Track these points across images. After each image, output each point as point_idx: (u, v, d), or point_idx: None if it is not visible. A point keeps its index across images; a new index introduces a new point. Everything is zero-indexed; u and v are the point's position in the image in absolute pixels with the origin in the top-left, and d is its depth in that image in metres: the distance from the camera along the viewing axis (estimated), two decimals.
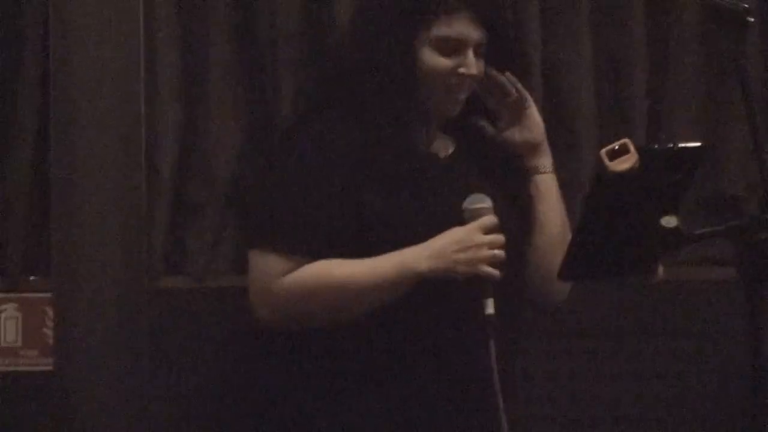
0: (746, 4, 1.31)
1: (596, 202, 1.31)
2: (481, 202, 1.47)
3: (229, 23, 2.12)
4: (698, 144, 1.42)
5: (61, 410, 1.98)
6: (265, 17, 2.10)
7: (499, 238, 1.47)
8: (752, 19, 1.41)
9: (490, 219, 1.46)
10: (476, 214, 1.45)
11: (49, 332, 1.97)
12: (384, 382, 1.55)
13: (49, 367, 1.94)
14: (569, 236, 1.40)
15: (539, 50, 2.02)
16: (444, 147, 1.57)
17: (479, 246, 1.43)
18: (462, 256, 1.45)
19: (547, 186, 1.58)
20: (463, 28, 1.52)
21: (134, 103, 2.04)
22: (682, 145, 1.40)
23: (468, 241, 1.46)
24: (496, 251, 1.43)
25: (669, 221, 1.26)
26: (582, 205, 1.44)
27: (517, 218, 1.55)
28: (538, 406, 1.90)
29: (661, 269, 1.37)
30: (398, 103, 1.51)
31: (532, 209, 1.57)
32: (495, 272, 1.45)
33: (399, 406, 1.54)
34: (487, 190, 1.52)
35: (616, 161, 1.25)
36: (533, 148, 1.54)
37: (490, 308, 1.41)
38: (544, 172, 1.57)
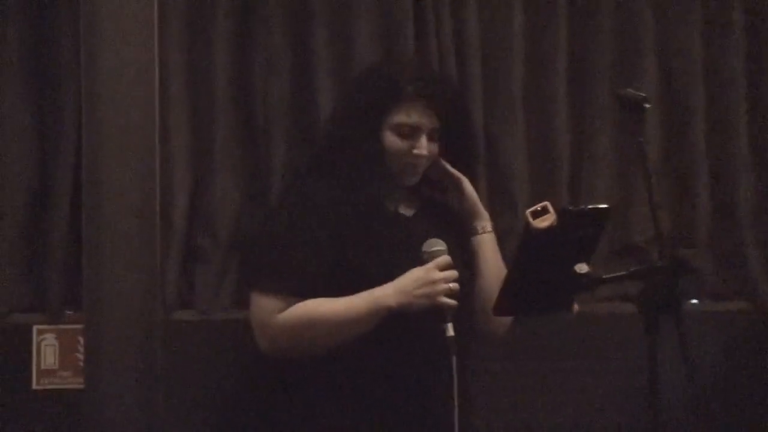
0: (644, 93, 1.61)
1: (523, 252, 1.52)
2: (437, 245, 1.65)
3: (230, 101, 2.35)
4: (605, 206, 1.61)
5: (91, 422, 2.14)
6: (259, 97, 2.34)
7: (453, 273, 1.63)
8: (648, 105, 1.69)
9: (444, 258, 1.63)
10: (433, 256, 1.62)
11: (80, 356, 2.20)
12: (362, 395, 1.75)
13: (81, 386, 2.13)
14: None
15: (482, 126, 2.28)
16: (408, 208, 1.78)
17: (436, 281, 1.60)
18: (422, 291, 1.62)
19: (485, 243, 1.81)
20: (418, 116, 1.73)
21: (151, 166, 2.20)
22: (592, 206, 1.62)
23: (427, 278, 1.63)
24: (451, 284, 1.60)
25: (581, 268, 1.49)
26: (513, 254, 1.61)
27: (463, 267, 1.72)
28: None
29: (576, 306, 1.62)
30: (368, 173, 1.73)
31: (474, 260, 1.79)
32: (451, 302, 1.62)
33: (375, 413, 1.74)
34: (450, 232, 1.74)
35: (538, 219, 1.48)
36: (470, 213, 1.77)
37: (450, 331, 1.57)
38: (483, 233, 1.80)
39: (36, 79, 2.34)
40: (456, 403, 1.61)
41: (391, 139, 1.73)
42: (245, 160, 2.37)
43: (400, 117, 1.73)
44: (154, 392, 2.13)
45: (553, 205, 1.48)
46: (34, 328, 2.27)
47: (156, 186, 2.17)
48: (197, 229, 2.33)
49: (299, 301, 1.67)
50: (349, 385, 1.76)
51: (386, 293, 1.67)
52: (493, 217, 1.90)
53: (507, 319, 1.80)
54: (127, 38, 2.17)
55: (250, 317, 1.76)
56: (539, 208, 1.50)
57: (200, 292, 2.31)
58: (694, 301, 2.51)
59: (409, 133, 1.73)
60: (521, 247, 1.52)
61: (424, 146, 1.72)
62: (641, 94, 1.64)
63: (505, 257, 1.79)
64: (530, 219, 1.47)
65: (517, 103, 2.35)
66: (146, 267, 2.14)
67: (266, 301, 1.68)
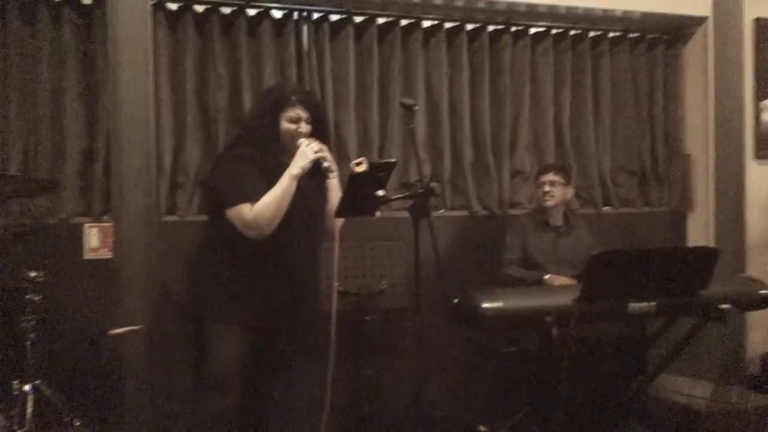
0: (414, 101, 2.64)
1: (350, 184, 2.27)
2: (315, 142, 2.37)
3: (196, 101, 3.23)
4: (394, 160, 2.39)
5: (117, 276, 2.94)
6: (212, 100, 3.26)
7: (323, 146, 2.36)
8: (416, 108, 2.69)
9: (317, 144, 2.37)
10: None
11: (112, 241, 3.04)
12: (260, 268, 2.39)
13: (111, 256, 3.01)
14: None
15: (332, 117, 3.36)
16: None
17: (313, 148, 2.33)
18: (307, 153, 2.33)
19: (333, 184, 2.52)
20: (300, 112, 2.48)
21: (149, 136, 3.02)
22: (387, 160, 2.43)
23: (308, 148, 2.38)
24: (322, 152, 2.35)
25: (380, 192, 2.33)
26: (344, 184, 2.32)
27: (322, 195, 2.48)
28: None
29: (378, 213, 2.41)
30: (272, 145, 2.45)
31: (327, 192, 2.51)
32: (324, 155, 2.36)
33: (267, 280, 2.41)
34: (314, 184, 2.43)
35: (358, 166, 2.31)
36: (328, 168, 2.43)
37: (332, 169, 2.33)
38: (332, 179, 2.51)
39: (84, 83, 3.11)
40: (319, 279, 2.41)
41: (286, 125, 2.48)
42: (204, 134, 3.31)
43: (290, 112, 2.48)
44: (153, 259, 3.02)
45: (366, 159, 2.35)
46: (85, 225, 3.12)
47: (153, 148, 3.10)
48: (177, 171, 3.27)
49: (254, 204, 2.33)
50: (254, 261, 2.40)
51: (291, 168, 2.38)
52: (338, 166, 2.66)
53: (340, 221, 2.47)
54: (134, 62, 3.00)
55: (236, 222, 2.36)
56: (359, 161, 2.32)
57: (179, 206, 3.25)
58: (441, 211, 3.63)
59: (295, 120, 2.48)
60: (349, 181, 2.28)
61: (303, 127, 2.49)
62: (412, 101, 2.55)
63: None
64: (354, 167, 2.30)
65: (350, 106, 3.47)
66: (149, 192, 3.06)
67: (241, 207, 2.36)
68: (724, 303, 2.61)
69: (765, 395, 3.35)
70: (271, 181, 2.37)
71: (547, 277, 3.30)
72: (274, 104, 2.50)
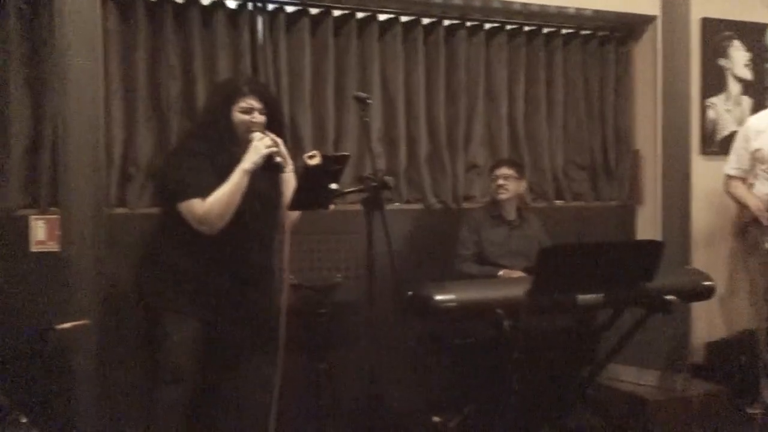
0: (368, 94, 2.64)
1: (303, 177, 2.31)
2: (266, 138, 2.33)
3: (147, 92, 3.18)
4: (347, 153, 2.60)
5: (63, 270, 2.86)
6: (164, 91, 3.20)
7: (276, 141, 2.33)
8: (370, 101, 2.79)
9: (268, 139, 2.33)
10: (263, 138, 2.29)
11: (58, 233, 2.95)
12: (213, 261, 2.41)
13: (58, 249, 2.92)
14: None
15: (287, 111, 3.35)
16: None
17: (265, 143, 2.30)
18: (259, 148, 2.30)
19: (288, 177, 2.49)
20: (253, 102, 2.46)
21: (99, 128, 2.95)
22: (340, 153, 2.62)
23: (260, 143, 2.35)
24: (273, 147, 2.31)
25: (333, 185, 2.35)
26: (298, 177, 2.38)
27: (277, 189, 2.44)
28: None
29: (331, 206, 2.46)
30: (225, 136, 2.43)
31: (282, 186, 2.47)
32: (276, 149, 2.31)
33: (220, 273, 2.42)
34: (268, 178, 2.40)
35: (311, 159, 2.38)
36: (283, 161, 2.40)
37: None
38: (287, 173, 2.47)
39: (31, 71, 3.00)
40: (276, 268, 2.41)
41: (238, 115, 2.46)
42: (156, 126, 3.24)
43: (242, 103, 2.46)
44: (102, 252, 2.98)
45: (320, 153, 2.41)
46: (30, 217, 3.02)
47: (102, 139, 3.04)
48: (128, 163, 3.20)
49: (205, 199, 2.33)
50: (207, 254, 2.42)
51: (243, 163, 2.36)
52: (291, 158, 2.54)
53: (294, 213, 2.51)
54: (84, 50, 2.91)
55: (187, 217, 2.36)
56: (312, 154, 2.40)
57: (130, 198, 3.18)
58: (396, 204, 3.63)
59: (248, 111, 2.46)
60: (302, 174, 2.32)
61: (256, 117, 2.46)
62: (366, 95, 2.56)
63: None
64: (307, 160, 2.36)
65: (306, 99, 3.44)
66: (98, 184, 2.98)
67: (192, 202, 2.36)
68: (670, 294, 2.68)
69: (708, 383, 3.46)
70: (223, 176, 2.35)
71: (501, 273, 3.34)
72: (226, 96, 2.49)
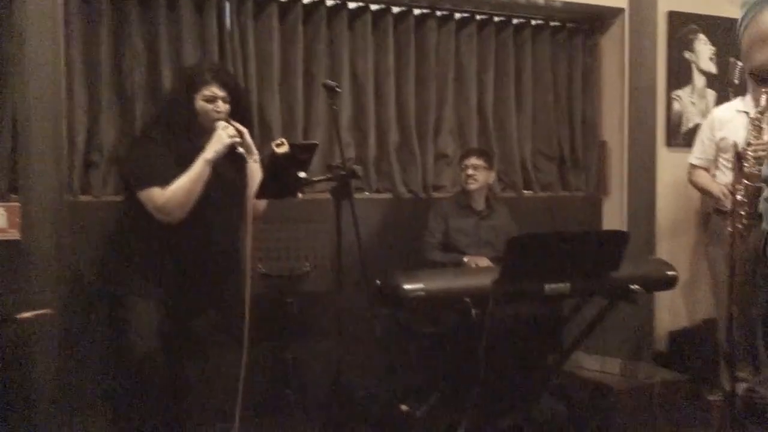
0: (337, 83, 2.55)
1: (270, 165, 2.29)
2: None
3: (111, 79, 3.13)
4: (316, 142, 2.57)
5: (23, 258, 2.82)
6: (128, 79, 3.15)
7: (240, 131, 2.33)
8: (339, 90, 2.63)
9: (231, 128, 2.32)
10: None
11: (19, 221, 2.87)
12: (177, 250, 2.41)
13: (19, 238, 2.86)
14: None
15: (255, 98, 3.34)
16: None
17: (227, 132, 2.31)
18: (224, 134, 2.32)
19: (254, 167, 2.46)
20: (216, 90, 2.44)
21: (60, 114, 2.87)
22: (309, 142, 2.75)
23: (222, 132, 2.36)
24: (235, 138, 2.31)
25: (302, 174, 2.36)
26: (265, 166, 2.35)
27: (242, 179, 2.40)
28: None
29: (300, 194, 2.47)
30: (188, 126, 2.42)
31: (248, 175, 2.43)
32: (237, 140, 2.32)
33: (185, 261, 2.42)
34: (234, 167, 2.39)
35: (279, 148, 2.27)
36: (248, 150, 2.40)
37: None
38: (254, 162, 2.45)
39: None
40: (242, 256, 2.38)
41: (201, 104, 2.46)
42: (120, 112, 3.20)
43: (205, 92, 2.45)
44: (65, 240, 2.91)
45: (288, 141, 2.31)
46: None
47: (64, 125, 2.95)
48: (91, 150, 3.15)
49: (165, 187, 2.32)
50: (171, 242, 2.43)
51: (205, 152, 2.37)
52: (259, 146, 2.67)
53: (263, 202, 2.53)
54: (43, 35, 2.83)
55: (147, 206, 2.35)
56: (279, 142, 2.28)
57: (93, 185, 3.14)
58: (365, 193, 3.63)
59: (211, 99, 2.45)
60: (270, 163, 2.30)
61: (220, 106, 2.45)
62: (335, 83, 2.55)
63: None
64: (275, 148, 2.26)
65: (274, 87, 3.40)
66: (60, 171, 2.91)
67: (151, 191, 2.37)
68: (634, 284, 2.71)
69: (671, 371, 3.51)
70: (185, 165, 2.35)
71: (466, 259, 3.36)
72: (188, 84, 2.47)
